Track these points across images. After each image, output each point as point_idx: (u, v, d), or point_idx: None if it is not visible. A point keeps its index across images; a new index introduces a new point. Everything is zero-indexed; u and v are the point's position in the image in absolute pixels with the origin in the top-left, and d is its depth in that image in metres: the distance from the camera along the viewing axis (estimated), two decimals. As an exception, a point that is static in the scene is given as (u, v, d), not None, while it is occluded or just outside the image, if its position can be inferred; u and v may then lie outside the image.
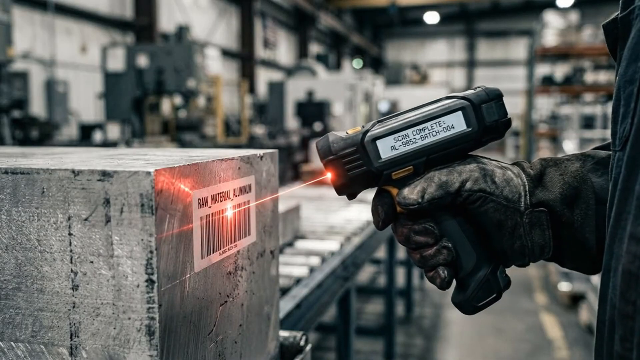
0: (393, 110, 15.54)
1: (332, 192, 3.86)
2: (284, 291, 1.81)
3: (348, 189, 0.76)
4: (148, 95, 9.50)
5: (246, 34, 19.04)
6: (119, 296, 0.69)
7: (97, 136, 10.20)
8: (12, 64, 7.61)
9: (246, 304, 0.90)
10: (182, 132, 10.05)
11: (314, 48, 24.34)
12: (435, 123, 0.74)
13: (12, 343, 0.73)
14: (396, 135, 0.74)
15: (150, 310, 0.68)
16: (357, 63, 26.58)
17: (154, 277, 0.68)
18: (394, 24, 28.84)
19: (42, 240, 0.70)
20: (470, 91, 0.76)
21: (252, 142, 10.41)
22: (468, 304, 0.79)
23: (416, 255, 0.78)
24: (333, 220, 2.86)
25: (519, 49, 27.86)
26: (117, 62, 9.63)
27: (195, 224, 0.76)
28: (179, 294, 0.73)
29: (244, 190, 0.89)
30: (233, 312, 0.86)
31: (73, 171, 0.69)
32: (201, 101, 11.49)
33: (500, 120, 0.76)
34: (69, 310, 0.70)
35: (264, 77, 19.23)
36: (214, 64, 11.75)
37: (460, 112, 0.74)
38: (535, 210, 0.77)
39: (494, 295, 0.78)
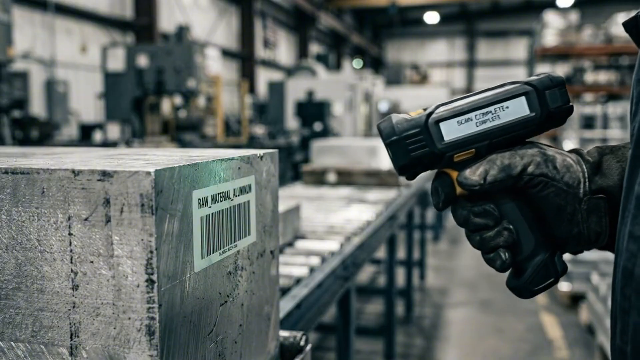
0: (393, 111, 15.53)
1: (332, 192, 3.86)
2: (284, 291, 1.81)
3: (409, 170, 0.76)
4: (148, 95, 9.50)
5: (246, 34, 19.04)
6: (119, 296, 0.69)
7: (97, 136, 10.20)
8: (12, 64, 7.61)
9: (246, 304, 0.90)
10: (182, 132, 10.04)
11: (314, 48, 24.33)
12: (499, 107, 0.75)
13: (12, 343, 0.73)
14: (460, 118, 0.75)
15: (150, 310, 0.68)
16: (357, 63, 26.59)
17: (154, 277, 0.68)
18: (394, 24, 28.83)
19: (42, 240, 0.70)
20: (534, 77, 0.77)
21: (252, 142, 10.41)
22: (525, 288, 0.79)
23: (476, 237, 0.78)
24: (333, 220, 2.86)
25: (519, 49, 27.85)
26: (117, 62, 9.63)
27: (195, 224, 0.76)
28: (179, 294, 0.73)
29: (244, 190, 0.88)
30: (233, 312, 0.86)
31: (73, 171, 0.69)
32: (201, 101, 11.49)
33: (563, 107, 0.76)
34: (69, 310, 0.70)
35: (264, 77, 19.23)
36: (214, 64, 11.74)
37: (523, 97, 0.75)
38: (594, 197, 0.77)
39: (552, 279, 0.78)
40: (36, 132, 8.51)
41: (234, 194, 0.86)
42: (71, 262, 0.69)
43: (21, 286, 0.72)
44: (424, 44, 31.54)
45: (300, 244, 2.39)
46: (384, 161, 4.34)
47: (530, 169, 0.75)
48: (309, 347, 1.15)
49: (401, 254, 5.13)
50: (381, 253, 4.75)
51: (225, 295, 0.84)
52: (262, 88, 18.10)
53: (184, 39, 10.38)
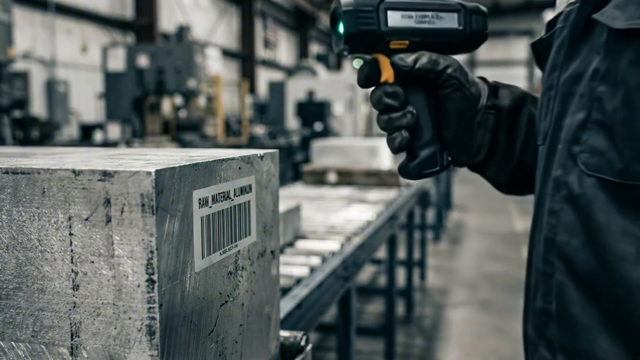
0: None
1: (332, 192, 3.86)
2: (285, 291, 1.81)
3: (354, 40, 0.87)
4: (148, 95, 9.50)
5: (246, 34, 19.05)
6: (120, 296, 0.68)
7: (98, 136, 10.21)
8: (12, 64, 7.61)
9: (247, 304, 0.89)
10: (182, 132, 10.05)
11: (314, 48, 24.33)
12: (435, 15, 0.89)
13: (12, 343, 0.72)
14: (404, 12, 0.88)
15: (150, 310, 0.68)
16: (358, 63, 26.57)
17: (155, 277, 0.67)
18: (394, 24, 28.78)
19: (43, 240, 0.70)
20: (467, 3, 0.92)
21: (253, 142, 10.40)
22: (414, 169, 0.92)
23: (384, 117, 0.90)
24: (333, 220, 2.86)
25: (519, 49, 27.84)
26: (117, 62, 9.63)
27: (196, 224, 0.76)
28: (180, 294, 0.72)
29: (244, 190, 0.88)
30: (233, 312, 0.86)
31: (74, 171, 0.69)
32: (201, 101, 11.49)
33: (482, 31, 0.93)
34: (70, 310, 0.70)
35: (264, 77, 19.23)
36: (214, 64, 11.74)
37: (456, 14, 0.91)
38: (486, 112, 0.94)
39: (437, 168, 0.92)
40: (37, 132, 8.52)
41: (234, 194, 0.85)
42: (72, 262, 0.69)
43: (22, 286, 0.71)
44: (424, 44, 31.48)
45: (301, 244, 2.39)
46: (384, 161, 4.34)
47: (449, 70, 0.89)
48: (309, 347, 1.14)
49: (401, 254, 5.13)
50: (381, 253, 4.74)
51: (226, 295, 0.84)
52: (262, 88, 18.10)
53: (185, 39, 10.39)
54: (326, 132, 10.18)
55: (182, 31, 10.57)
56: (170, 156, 0.85)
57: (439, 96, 0.90)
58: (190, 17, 15.60)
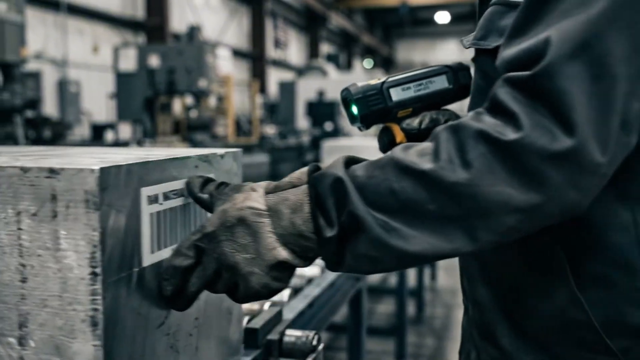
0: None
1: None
2: (296, 290, 1.81)
3: (368, 119, 1.04)
4: (159, 95, 9.54)
5: (257, 34, 19.10)
6: (65, 288, 0.71)
7: (109, 136, 10.29)
8: (25, 64, 7.69)
9: (204, 298, 0.92)
10: (193, 132, 10.08)
11: (325, 48, 24.35)
12: (429, 81, 1.05)
13: (-37, 333, 0.76)
14: (403, 86, 1.04)
15: (94, 302, 0.71)
16: (368, 63, 26.57)
17: (98, 270, 0.70)
18: (404, 23, 28.77)
19: (-7, 234, 0.73)
20: (451, 63, 1.08)
21: (263, 142, 10.43)
22: None
23: None
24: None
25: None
26: (128, 62, 9.69)
27: (144, 219, 0.79)
28: (125, 287, 0.75)
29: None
30: None
31: (22, 168, 0.72)
32: (212, 101, 11.54)
33: (469, 83, 1.06)
34: (18, 301, 0.73)
35: (274, 77, 19.28)
36: (225, 64, 11.79)
37: (444, 75, 1.06)
38: None
39: None
40: (49, 132, 8.59)
41: None
42: (20, 256, 0.72)
43: (-28, 278, 0.74)
44: (435, 44, 31.43)
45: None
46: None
47: (449, 122, 0.98)
48: (321, 346, 1.18)
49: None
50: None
51: None
52: (272, 88, 18.15)
53: (195, 39, 10.43)
54: (336, 132, 10.18)
55: (193, 31, 10.61)
56: (128, 155, 0.88)
57: None
58: (201, 17, 15.68)
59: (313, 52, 22.73)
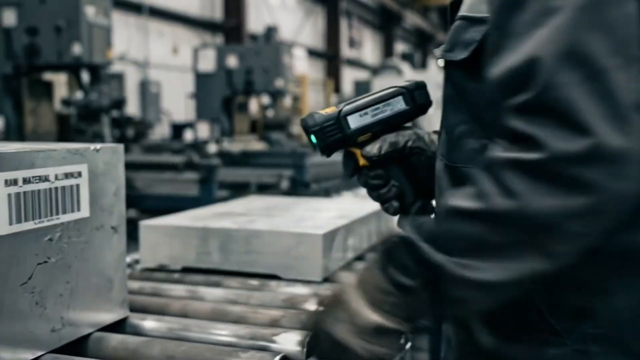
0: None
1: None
2: None
3: (328, 149, 1.08)
4: (237, 95, 9.63)
5: (332, 34, 19.11)
6: None
7: (188, 135, 10.47)
8: (110, 66, 7.90)
9: (76, 266, 1.12)
10: (269, 131, 10.14)
11: (399, 47, 24.16)
12: (386, 104, 1.08)
13: None
14: (360, 112, 1.07)
15: None
16: (443, 62, 26.14)
17: None
18: (481, 21, 28.15)
19: None
20: (406, 82, 1.11)
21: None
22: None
23: (374, 194, 1.13)
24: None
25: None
26: (207, 62, 9.82)
27: (1, 198, 0.98)
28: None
29: (70, 175, 1.10)
30: (56, 271, 1.08)
31: None
32: (288, 101, 11.59)
33: (427, 102, 1.12)
34: None
35: (349, 76, 19.24)
36: (300, 64, 11.83)
37: (401, 96, 1.09)
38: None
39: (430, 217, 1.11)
40: (132, 131, 8.81)
41: (55, 178, 1.07)
42: None
43: None
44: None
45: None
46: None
47: (409, 143, 1.11)
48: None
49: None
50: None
51: (45, 256, 1.06)
52: (347, 87, 18.11)
53: (272, 40, 10.48)
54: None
55: (270, 32, 10.67)
56: (4, 148, 1.07)
57: (410, 163, 1.12)
58: (277, 18, 15.79)
59: (388, 51, 22.59)
